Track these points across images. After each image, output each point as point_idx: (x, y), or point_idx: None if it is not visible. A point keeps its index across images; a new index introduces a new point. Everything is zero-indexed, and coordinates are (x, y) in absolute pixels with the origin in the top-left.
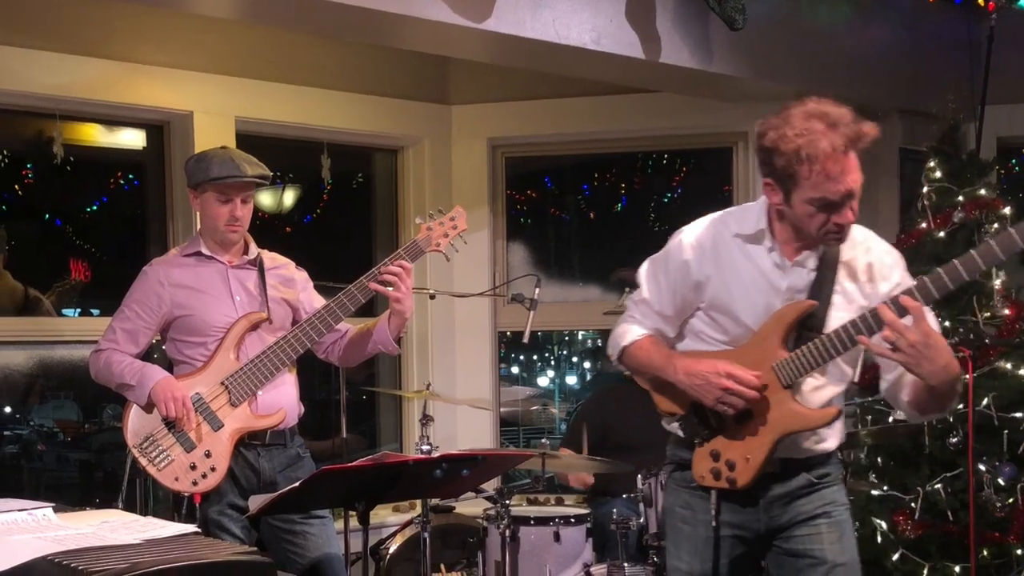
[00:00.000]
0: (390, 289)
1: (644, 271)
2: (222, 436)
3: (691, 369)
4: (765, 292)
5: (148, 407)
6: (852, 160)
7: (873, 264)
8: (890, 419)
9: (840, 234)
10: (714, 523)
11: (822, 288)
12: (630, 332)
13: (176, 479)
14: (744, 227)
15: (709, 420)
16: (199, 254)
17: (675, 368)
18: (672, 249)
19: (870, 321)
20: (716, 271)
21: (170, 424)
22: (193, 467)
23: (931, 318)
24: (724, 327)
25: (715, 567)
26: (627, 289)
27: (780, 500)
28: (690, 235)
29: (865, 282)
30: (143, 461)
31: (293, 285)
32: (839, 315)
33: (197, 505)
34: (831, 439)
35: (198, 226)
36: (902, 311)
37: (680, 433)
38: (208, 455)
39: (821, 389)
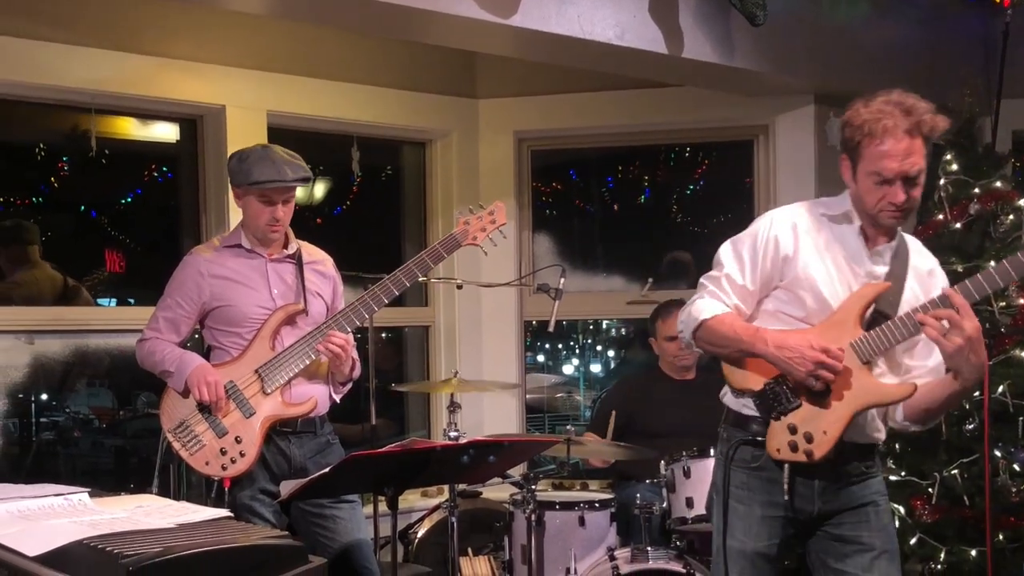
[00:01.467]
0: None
1: (726, 249)
2: (253, 423)
3: (783, 343)
4: (846, 271)
5: (185, 393)
6: (913, 145)
7: (934, 272)
8: None
9: (895, 214)
10: (787, 496)
11: (895, 277)
12: (710, 306)
13: (207, 463)
14: (832, 208)
15: (788, 395)
16: (240, 246)
17: (764, 341)
18: (761, 226)
19: (938, 303)
20: (804, 246)
21: (203, 410)
22: (223, 452)
23: None
24: (804, 303)
25: (782, 542)
26: (650, 280)
27: (834, 486)
28: (780, 213)
29: (926, 282)
30: (176, 445)
31: (328, 282)
32: (908, 303)
33: (226, 489)
34: (884, 431)
35: (231, 217)
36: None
37: (751, 411)
38: (238, 440)
39: (883, 376)
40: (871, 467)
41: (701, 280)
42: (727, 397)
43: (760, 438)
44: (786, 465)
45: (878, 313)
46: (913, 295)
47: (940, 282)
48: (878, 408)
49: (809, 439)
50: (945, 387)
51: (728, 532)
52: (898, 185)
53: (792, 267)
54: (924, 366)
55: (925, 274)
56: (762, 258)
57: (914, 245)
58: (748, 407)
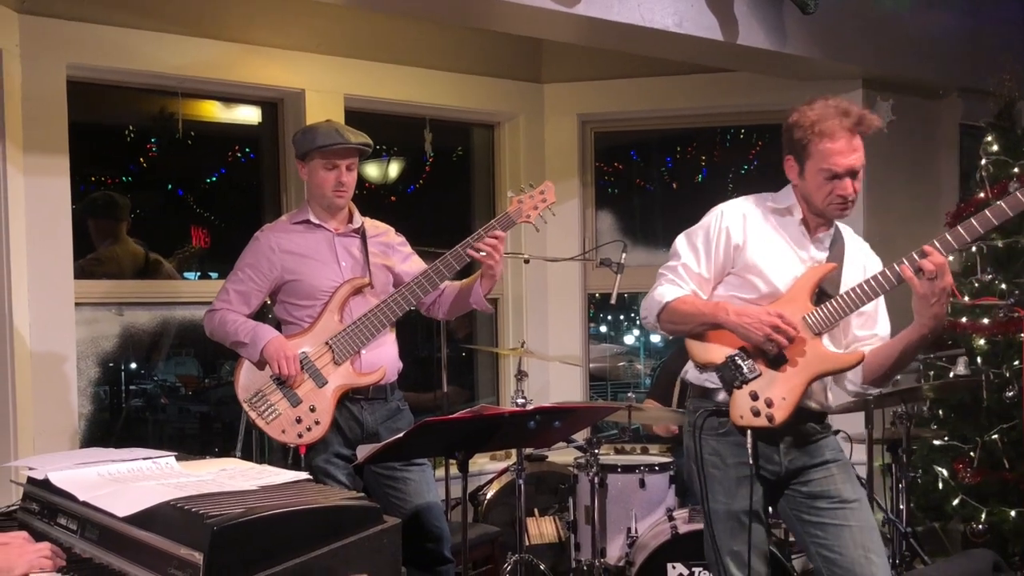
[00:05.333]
0: (483, 255)
1: (682, 241)
2: (326, 392)
3: (743, 310)
4: (792, 258)
5: (259, 364)
6: (856, 142)
7: (868, 253)
8: (951, 374)
9: (843, 206)
10: (751, 460)
11: (835, 260)
12: (671, 291)
13: (283, 431)
14: (777, 202)
15: (749, 365)
16: (307, 222)
17: (726, 311)
18: (712, 218)
19: (897, 271)
20: (752, 236)
21: (278, 380)
22: (299, 420)
23: None
24: (755, 287)
25: (751, 499)
26: None
27: (795, 444)
28: (729, 206)
29: (861, 263)
30: (252, 414)
31: (393, 251)
32: (849, 281)
33: (302, 456)
34: (830, 401)
35: (307, 196)
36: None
37: (714, 384)
38: (313, 410)
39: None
40: (826, 428)
41: (660, 270)
42: (689, 374)
43: (724, 407)
44: (749, 430)
45: (822, 292)
46: (852, 275)
47: (875, 261)
48: (830, 376)
49: (769, 404)
50: (901, 341)
51: (711, 497)
52: (847, 179)
53: (743, 255)
54: (875, 335)
55: (861, 256)
56: (715, 247)
57: (847, 231)
58: (711, 380)
